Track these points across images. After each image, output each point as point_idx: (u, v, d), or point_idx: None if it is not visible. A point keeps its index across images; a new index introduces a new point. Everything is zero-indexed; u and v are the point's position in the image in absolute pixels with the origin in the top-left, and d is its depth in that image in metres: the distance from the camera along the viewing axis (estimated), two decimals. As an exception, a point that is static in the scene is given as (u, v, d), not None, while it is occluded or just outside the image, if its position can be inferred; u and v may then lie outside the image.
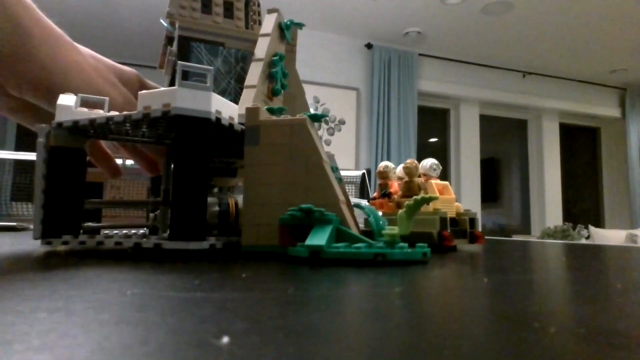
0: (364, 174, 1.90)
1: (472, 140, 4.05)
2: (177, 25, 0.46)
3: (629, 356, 0.09)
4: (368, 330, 0.11)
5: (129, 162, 0.44)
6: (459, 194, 3.81)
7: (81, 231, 0.33)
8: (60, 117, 0.32)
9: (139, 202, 0.47)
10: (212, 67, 0.30)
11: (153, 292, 0.16)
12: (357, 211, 0.40)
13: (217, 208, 0.38)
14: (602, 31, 3.43)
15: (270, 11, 0.47)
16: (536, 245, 0.56)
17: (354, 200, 0.50)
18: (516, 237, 3.22)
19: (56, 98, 0.33)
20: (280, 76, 0.43)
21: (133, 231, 0.48)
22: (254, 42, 0.45)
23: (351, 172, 1.96)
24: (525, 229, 4.38)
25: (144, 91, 0.30)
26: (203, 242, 0.28)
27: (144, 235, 0.36)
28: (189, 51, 0.47)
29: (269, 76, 0.43)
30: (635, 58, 3.89)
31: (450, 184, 0.46)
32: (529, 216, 4.38)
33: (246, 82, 0.41)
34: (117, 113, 0.31)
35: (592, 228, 3.89)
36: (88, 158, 0.36)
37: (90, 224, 0.40)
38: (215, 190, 0.42)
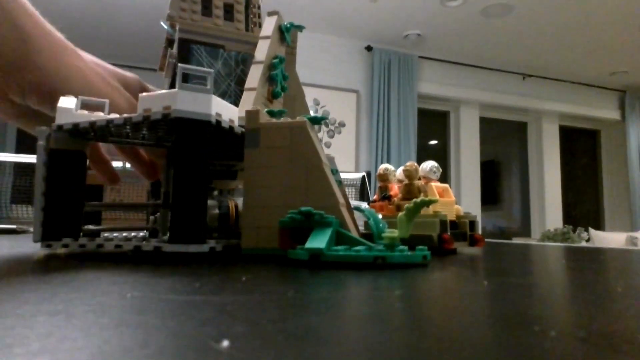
0: (364, 176, 1.90)
1: (472, 143, 4.05)
2: (177, 28, 0.47)
3: (629, 360, 0.09)
4: (368, 333, 0.11)
5: (130, 165, 0.44)
6: (459, 197, 3.81)
7: (81, 234, 0.33)
8: (60, 119, 0.32)
9: (139, 205, 0.47)
10: (212, 70, 0.30)
11: (153, 295, 0.16)
12: (357, 214, 0.40)
13: (217, 211, 0.38)
14: (602, 33, 3.43)
15: (270, 14, 0.47)
16: (536, 248, 0.56)
17: (353, 202, 0.50)
18: (516, 240, 3.22)
19: None
20: (281, 79, 0.43)
21: (133, 234, 0.48)
22: (254, 44, 0.45)
23: (351, 175, 1.96)
24: (526, 231, 4.38)
25: (144, 94, 0.30)
26: (203, 245, 0.28)
27: (144, 238, 0.36)
28: (189, 54, 0.47)
29: (269, 79, 0.43)
30: (635, 60, 3.90)
31: (450, 186, 0.46)
32: (529, 219, 4.37)
33: (246, 85, 0.41)
34: (117, 116, 0.31)
35: (592, 230, 3.89)
36: (88, 162, 0.36)
37: (90, 226, 0.40)
38: (216, 192, 0.42)
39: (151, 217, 0.42)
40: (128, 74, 0.46)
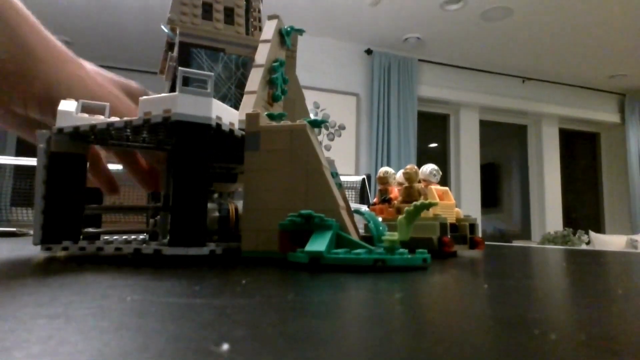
0: (364, 179, 1.91)
1: (472, 146, 4.05)
2: (178, 31, 0.47)
3: (629, 363, 0.09)
4: (368, 336, 0.11)
5: (129, 174, 0.44)
6: (459, 200, 3.81)
7: (81, 237, 0.33)
8: (61, 122, 0.32)
9: (139, 208, 0.47)
10: (212, 73, 0.31)
11: (153, 298, 0.16)
12: (357, 217, 0.40)
13: (217, 214, 0.38)
14: (602, 37, 3.44)
15: (270, 17, 0.47)
16: (536, 251, 0.56)
17: (354, 205, 0.50)
18: (516, 243, 3.22)
19: None
20: (281, 82, 0.44)
21: (133, 237, 0.48)
22: (255, 48, 0.45)
23: (351, 178, 1.96)
24: (526, 234, 4.37)
25: (144, 97, 0.30)
26: (203, 247, 0.28)
27: (143, 241, 0.36)
28: (189, 57, 0.47)
29: (269, 82, 0.43)
30: (635, 63, 3.91)
31: (450, 189, 0.46)
32: (529, 221, 4.37)
33: (246, 88, 0.41)
34: (118, 119, 0.31)
35: (592, 233, 3.88)
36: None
37: (90, 229, 0.40)
38: (216, 195, 0.42)
39: (151, 220, 0.42)
40: (131, 82, 0.46)
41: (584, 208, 4.72)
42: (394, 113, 3.61)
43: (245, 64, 0.49)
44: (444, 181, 3.84)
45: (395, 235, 0.29)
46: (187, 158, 0.29)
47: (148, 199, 0.47)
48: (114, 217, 0.83)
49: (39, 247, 0.31)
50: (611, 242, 3.77)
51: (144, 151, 0.42)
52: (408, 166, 0.47)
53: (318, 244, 0.27)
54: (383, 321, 0.13)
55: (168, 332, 0.11)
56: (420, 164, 0.48)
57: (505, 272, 0.30)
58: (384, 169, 0.51)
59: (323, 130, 3.47)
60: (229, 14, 0.50)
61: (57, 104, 0.35)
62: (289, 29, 0.48)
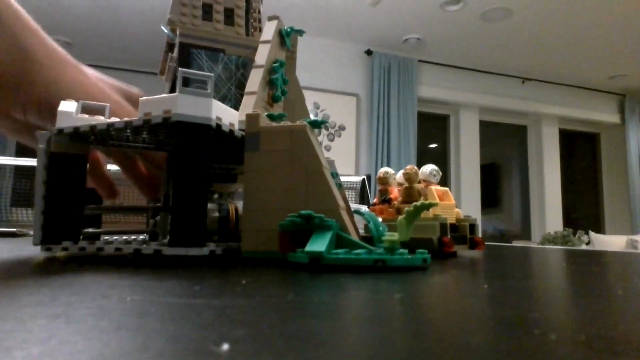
0: (364, 179, 1.91)
1: (472, 146, 4.06)
2: (178, 32, 0.47)
3: (629, 363, 0.09)
4: (368, 336, 0.11)
5: (130, 181, 0.45)
6: (459, 200, 3.81)
7: (81, 237, 0.33)
8: (61, 123, 0.32)
9: (139, 208, 0.47)
10: (212, 74, 0.31)
11: (153, 298, 0.16)
12: (357, 217, 0.40)
13: (217, 214, 0.38)
14: (602, 37, 3.44)
15: (270, 18, 0.47)
16: (536, 251, 0.56)
17: (354, 206, 0.50)
18: (516, 243, 3.22)
19: None
20: (281, 83, 0.44)
21: (133, 237, 0.48)
22: (255, 48, 0.45)
23: (351, 178, 1.96)
24: (526, 234, 4.37)
25: (144, 97, 0.30)
26: (203, 248, 0.28)
27: (143, 241, 0.36)
28: (189, 58, 0.47)
29: (269, 83, 0.43)
30: (635, 64, 3.91)
31: (450, 189, 0.46)
32: (529, 222, 4.37)
33: (246, 89, 0.41)
34: (118, 119, 0.31)
35: (592, 234, 3.88)
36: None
37: (90, 229, 0.40)
38: (216, 196, 0.42)
39: (151, 220, 0.42)
40: (133, 88, 0.46)
41: (584, 208, 4.72)
42: (394, 113, 3.61)
43: (245, 65, 0.49)
44: (444, 181, 3.84)
45: (395, 236, 0.29)
46: (187, 158, 0.29)
47: (148, 200, 0.47)
48: (114, 218, 0.83)
49: (39, 248, 0.31)
50: (611, 242, 3.77)
51: (143, 157, 0.42)
52: (408, 166, 0.47)
53: (318, 244, 0.27)
54: (383, 321, 0.13)
55: (168, 332, 0.11)
56: (420, 165, 0.48)
57: (505, 272, 0.30)
58: (384, 170, 0.51)
59: (323, 130, 3.47)
60: (229, 14, 0.50)
61: (56, 108, 0.35)
62: (289, 29, 0.48)
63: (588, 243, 3.55)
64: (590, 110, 4.47)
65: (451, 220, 0.43)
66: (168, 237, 0.29)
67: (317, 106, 3.47)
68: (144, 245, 0.29)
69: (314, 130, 0.34)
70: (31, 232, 0.49)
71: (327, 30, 3.45)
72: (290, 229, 0.29)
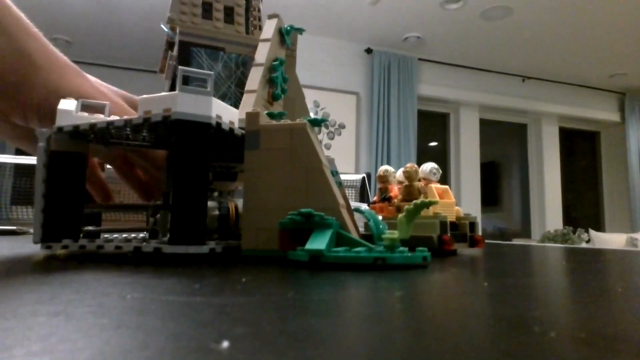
0: (364, 178, 1.91)
1: (472, 144, 4.05)
2: (177, 31, 0.47)
3: (629, 360, 0.09)
4: (368, 334, 0.11)
5: (127, 185, 0.46)
6: (459, 198, 3.81)
7: (81, 235, 0.33)
8: (60, 121, 0.32)
9: (139, 206, 0.47)
10: (212, 72, 0.30)
11: (153, 296, 0.16)
12: (357, 215, 0.40)
13: (217, 212, 0.38)
14: (602, 36, 3.44)
15: (270, 16, 0.47)
16: (536, 249, 0.56)
17: (354, 204, 0.50)
18: (516, 241, 3.22)
19: None
20: (281, 81, 0.43)
21: (133, 235, 0.48)
22: (255, 47, 0.45)
23: (351, 176, 1.96)
24: (526, 232, 4.38)
25: (144, 96, 0.30)
26: (203, 246, 0.28)
27: (143, 239, 0.36)
28: (189, 56, 0.47)
29: (269, 81, 0.43)
30: (635, 62, 3.91)
31: (450, 188, 0.46)
32: (529, 220, 4.37)
33: (246, 87, 0.41)
34: (118, 117, 0.31)
35: (592, 232, 3.89)
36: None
37: (90, 227, 0.40)
38: (216, 194, 0.42)
39: (151, 219, 0.42)
40: (134, 97, 0.46)
41: (584, 207, 4.72)
42: (394, 112, 3.61)
43: (245, 63, 0.49)
44: (444, 180, 3.84)
45: (395, 234, 0.29)
46: (187, 157, 0.29)
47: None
48: (114, 216, 0.83)
49: (39, 246, 0.31)
50: (611, 240, 3.77)
51: (143, 158, 0.42)
52: (408, 165, 0.47)
53: (318, 243, 0.27)
54: (383, 319, 0.13)
55: (168, 330, 0.11)
56: (420, 163, 0.48)
57: (505, 270, 0.30)
58: (384, 168, 0.51)
59: (323, 129, 3.47)
60: (229, 13, 0.50)
61: (56, 112, 0.35)
62: (288, 28, 0.48)
63: (588, 241, 3.55)
64: (591, 108, 4.46)
65: (451, 218, 0.43)
66: (168, 235, 0.29)
67: (317, 104, 3.46)
68: (144, 243, 0.29)
69: (314, 128, 0.34)
70: (31, 230, 0.49)
71: (327, 28, 3.45)
72: (290, 227, 0.29)
